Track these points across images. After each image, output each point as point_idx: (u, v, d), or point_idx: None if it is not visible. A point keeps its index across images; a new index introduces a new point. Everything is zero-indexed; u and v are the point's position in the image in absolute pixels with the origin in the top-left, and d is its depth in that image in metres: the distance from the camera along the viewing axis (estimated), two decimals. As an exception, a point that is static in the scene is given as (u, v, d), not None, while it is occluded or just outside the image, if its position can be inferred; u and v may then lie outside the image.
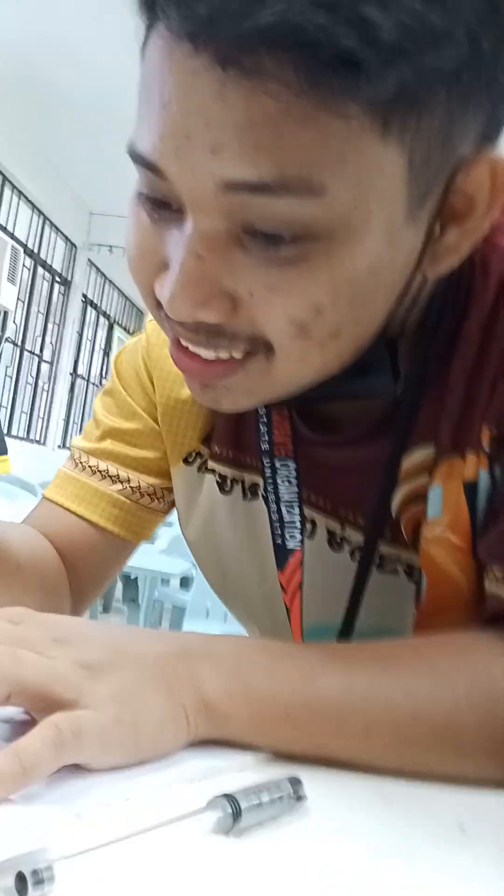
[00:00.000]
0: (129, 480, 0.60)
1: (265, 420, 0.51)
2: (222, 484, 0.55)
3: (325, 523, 0.51)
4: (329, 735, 0.37)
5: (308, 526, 0.52)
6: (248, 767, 0.37)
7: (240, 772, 0.36)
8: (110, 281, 7.78)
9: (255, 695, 0.37)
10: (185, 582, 3.12)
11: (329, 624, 0.50)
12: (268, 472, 0.51)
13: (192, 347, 0.39)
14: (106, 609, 4.38)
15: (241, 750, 0.37)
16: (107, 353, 8.13)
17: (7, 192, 5.41)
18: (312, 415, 0.51)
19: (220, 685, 0.37)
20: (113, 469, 0.60)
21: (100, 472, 0.60)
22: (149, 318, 0.58)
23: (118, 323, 8.33)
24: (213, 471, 0.56)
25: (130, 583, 2.47)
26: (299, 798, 0.33)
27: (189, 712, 0.36)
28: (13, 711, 0.36)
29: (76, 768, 0.32)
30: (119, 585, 2.99)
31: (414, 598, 0.48)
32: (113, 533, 0.60)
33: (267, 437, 0.51)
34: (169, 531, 2.83)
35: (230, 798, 0.30)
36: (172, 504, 0.62)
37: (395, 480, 0.47)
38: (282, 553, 0.51)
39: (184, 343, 0.39)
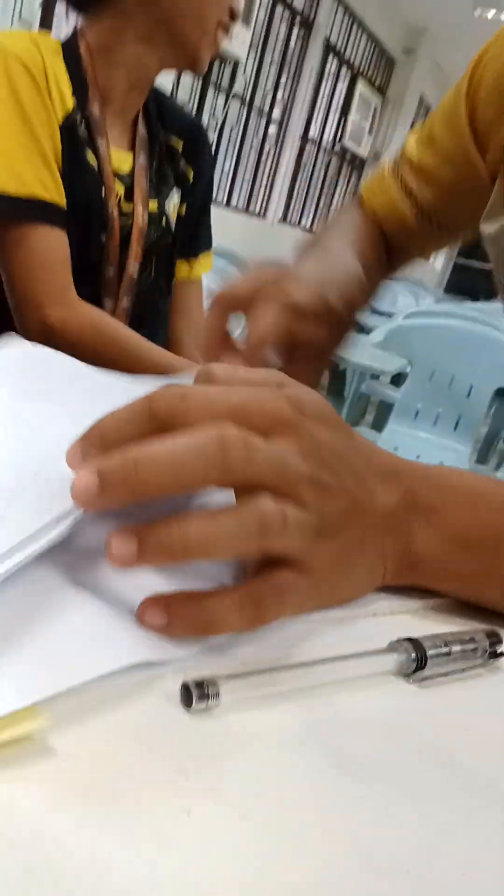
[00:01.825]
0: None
1: None
2: None
3: None
4: None
5: None
6: (440, 612, 0.35)
7: (429, 615, 0.35)
8: (359, 21, 6.99)
9: (473, 564, 0.35)
10: (396, 379, 3.04)
11: None
12: None
13: None
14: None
15: (434, 594, 0.36)
16: (345, 112, 7.53)
17: None
18: None
19: (436, 546, 0.34)
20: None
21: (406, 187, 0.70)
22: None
23: (363, 74, 7.58)
24: None
25: (338, 374, 2.46)
26: (494, 654, 0.31)
27: (388, 563, 0.34)
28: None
29: None
30: (325, 375, 3.02)
31: None
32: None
33: None
34: (386, 323, 2.73)
35: (415, 642, 0.29)
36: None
37: None
38: None
39: None
